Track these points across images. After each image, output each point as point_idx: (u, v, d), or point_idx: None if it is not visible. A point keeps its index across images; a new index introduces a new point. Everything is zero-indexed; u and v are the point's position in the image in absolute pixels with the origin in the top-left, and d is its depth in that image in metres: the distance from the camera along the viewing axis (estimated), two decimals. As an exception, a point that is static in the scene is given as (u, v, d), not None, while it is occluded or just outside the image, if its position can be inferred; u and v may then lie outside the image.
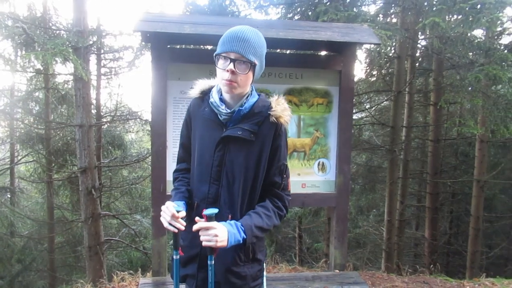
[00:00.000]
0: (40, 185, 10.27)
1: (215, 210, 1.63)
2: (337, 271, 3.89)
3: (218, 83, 1.78)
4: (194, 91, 1.89)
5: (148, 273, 4.73)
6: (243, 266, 1.79)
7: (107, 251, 9.09)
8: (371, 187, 10.67)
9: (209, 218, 1.61)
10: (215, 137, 1.76)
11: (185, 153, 1.97)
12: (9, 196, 10.01)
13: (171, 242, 1.87)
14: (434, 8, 5.43)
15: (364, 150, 9.87)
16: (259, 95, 1.81)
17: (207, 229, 1.58)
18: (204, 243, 1.58)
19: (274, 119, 1.73)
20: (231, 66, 1.62)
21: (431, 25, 4.69)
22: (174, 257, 1.78)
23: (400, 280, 4.46)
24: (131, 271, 4.70)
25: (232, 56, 1.62)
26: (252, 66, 1.66)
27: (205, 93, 1.86)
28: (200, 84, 1.88)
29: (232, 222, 1.66)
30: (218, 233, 1.56)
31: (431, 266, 5.81)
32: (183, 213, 1.69)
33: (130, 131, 10.68)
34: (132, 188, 9.80)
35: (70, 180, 9.07)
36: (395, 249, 8.12)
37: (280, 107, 1.75)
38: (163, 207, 1.69)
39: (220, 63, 1.66)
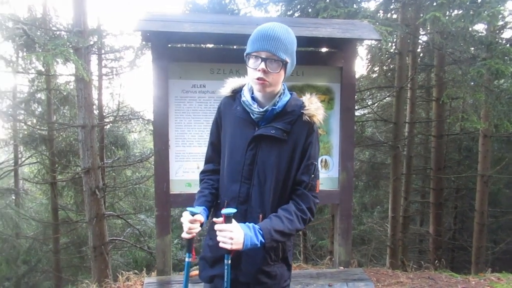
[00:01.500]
0: (44, 186, 10.30)
1: (233, 210, 1.61)
2: (342, 268, 3.89)
3: (249, 81, 1.76)
4: (225, 90, 1.87)
5: (153, 273, 4.75)
6: (273, 265, 1.78)
7: (112, 251, 9.13)
8: (375, 184, 10.67)
9: (227, 218, 1.60)
10: (247, 135, 1.74)
11: (214, 152, 1.96)
12: (13, 197, 10.05)
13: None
14: (435, 3, 5.41)
15: (367, 147, 9.86)
16: (291, 93, 1.79)
17: (222, 230, 1.58)
18: (220, 244, 1.58)
19: (307, 118, 1.71)
20: (262, 65, 1.60)
21: (432, 20, 4.67)
22: (187, 259, 1.78)
23: (405, 276, 4.45)
24: (136, 271, 4.70)
25: (263, 55, 1.60)
26: (284, 64, 1.63)
27: (236, 92, 1.85)
28: (231, 83, 1.87)
29: (251, 225, 1.64)
30: (233, 236, 1.55)
31: (436, 262, 5.79)
32: (199, 217, 1.69)
33: (132, 131, 10.70)
34: (135, 188, 9.84)
35: (74, 180, 9.09)
36: (400, 245, 8.11)
37: (314, 106, 1.73)
38: (181, 219, 1.70)
39: (251, 62, 1.65)
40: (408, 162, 8.57)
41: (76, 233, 10.02)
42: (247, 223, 1.65)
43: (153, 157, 8.94)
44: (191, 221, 1.67)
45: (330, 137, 3.83)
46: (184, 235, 1.68)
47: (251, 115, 1.75)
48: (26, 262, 9.99)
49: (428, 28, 7.46)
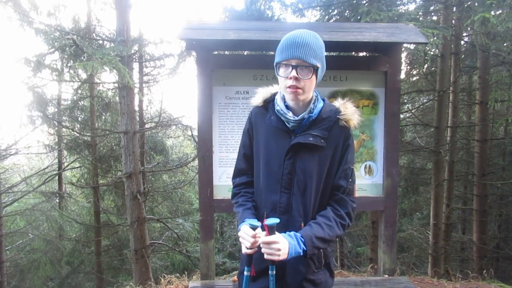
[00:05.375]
0: (86, 190, 10.63)
1: (277, 220, 1.58)
2: (386, 276, 3.80)
3: (281, 90, 1.75)
4: (257, 100, 1.86)
5: (194, 276, 4.81)
6: (317, 273, 1.77)
7: (150, 254, 9.31)
8: (414, 190, 10.39)
9: (270, 229, 1.57)
10: (284, 144, 1.72)
11: (247, 164, 1.92)
12: (57, 201, 10.45)
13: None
14: (477, 3, 5.23)
15: (406, 152, 9.63)
16: (323, 99, 1.78)
17: (269, 243, 1.55)
18: (266, 256, 1.56)
19: (344, 123, 1.71)
20: (293, 72, 1.59)
21: (481, 21, 4.52)
22: (245, 273, 1.74)
23: (451, 285, 4.31)
24: (177, 274, 4.78)
25: (294, 62, 1.59)
26: (315, 69, 1.62)
27: (268, 101, 1.83)
28: (262, 93, 1.86)
29: (292, 233, 1.63)
30: (281, 247, 1.54)
31: (484, 271, 5.57)
32: (259, 230, 1.63)
33: (171, 137, 10.89)
34: (172, 192, 10.00)
35: (115, 185, 9.34)
36: (442, 253, 7.86)
37: (349, 111, 1.73)
38: (240, 233, 1.66)
39: (282, 71, 1.64)
40: (451, 167, 8.31)
41: (117, 236, 10.28)
42: (287, 232, 1.63)
43: (191, 162, 9.11)
44: (253, 236, 1.60)
45: (374, 143, 3.76)
46: (247, 250, 1.62)
47: (287, 124, 1.73)
48: (69, 263, 10.31)
49: (470, 29, 7.23)
